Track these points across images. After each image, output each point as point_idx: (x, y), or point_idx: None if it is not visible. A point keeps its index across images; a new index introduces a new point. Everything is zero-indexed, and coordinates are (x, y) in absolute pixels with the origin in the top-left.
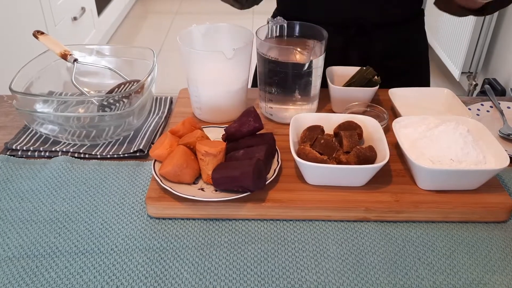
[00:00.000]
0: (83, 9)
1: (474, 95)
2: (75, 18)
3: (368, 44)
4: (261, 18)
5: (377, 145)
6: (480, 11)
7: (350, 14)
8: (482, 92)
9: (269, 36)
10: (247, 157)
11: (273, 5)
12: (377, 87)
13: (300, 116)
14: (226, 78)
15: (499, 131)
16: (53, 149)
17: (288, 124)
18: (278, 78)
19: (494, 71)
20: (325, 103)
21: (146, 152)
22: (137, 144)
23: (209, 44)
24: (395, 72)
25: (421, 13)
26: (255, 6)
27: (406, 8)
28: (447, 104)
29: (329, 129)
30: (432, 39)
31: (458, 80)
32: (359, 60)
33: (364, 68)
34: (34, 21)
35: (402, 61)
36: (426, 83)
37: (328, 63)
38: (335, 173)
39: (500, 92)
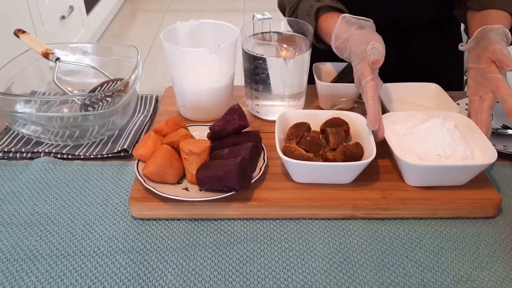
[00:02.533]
0: (71, 7)
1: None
2: (63, 17)
3: (406, 46)
4: (251, 16)
5: (364, 141)
6: None
7: (385, 14)
8: None
9: (255, 32)
10: (232, 156)
11: (265, 2)
12: None
13: (286, 113)
14: (211, 75)
15: None
16: (35, 150)
17: (275, 121)
18: (264, 75)
19: None
20: (312, 100)
21: (130, 152)
22: (121, 143)
23: (193, 41)
24: (430, 76)
25: (454, 19)
26: (246, 3)
27: (434, 12)
28: (435, 99)
29: (316, 126)
30: None
31: None
32: (398, 62)
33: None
34: (20, 20)
35: (438, 65)
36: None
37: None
38: (322, 171)
39: None
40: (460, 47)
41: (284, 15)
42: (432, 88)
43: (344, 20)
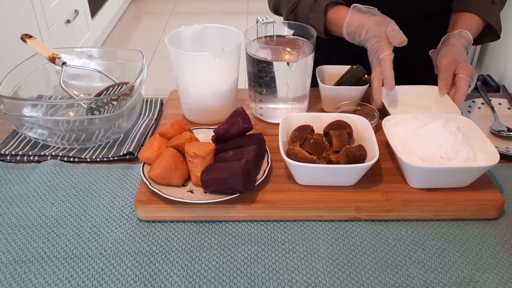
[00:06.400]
0: (76, 11)
1: (469, 91)
2: (68, 21)
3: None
4: (255, 19)
5: (367, 144)
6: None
7: (383, 6)
8: (477, 89)
9: (259, 36)
10: (236, 158)
11: (267, 5)
12: (367, 85)
13: (290, 115)
14: (215, 79)
15: (491, 127)
16: (42, 153)
17: (278, 124)
18: (268, 78)
19: (488, 67)
20: (316, 103)
21: (136, 155)
22: (127, 146)
23: (198, 45)
24: (425, 66)
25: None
26: (249, 6)
27: (436, 3)
28: (438, 101)
29: (319, 129)
30: None
31: None
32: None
33: (355, 66)
34: (26, 24)
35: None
36: None
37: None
38: (325, 173)
39: (494, 88)
40: (430, 53)
41: (277, 15)
42: (434, 91)
43: (355, 9)
